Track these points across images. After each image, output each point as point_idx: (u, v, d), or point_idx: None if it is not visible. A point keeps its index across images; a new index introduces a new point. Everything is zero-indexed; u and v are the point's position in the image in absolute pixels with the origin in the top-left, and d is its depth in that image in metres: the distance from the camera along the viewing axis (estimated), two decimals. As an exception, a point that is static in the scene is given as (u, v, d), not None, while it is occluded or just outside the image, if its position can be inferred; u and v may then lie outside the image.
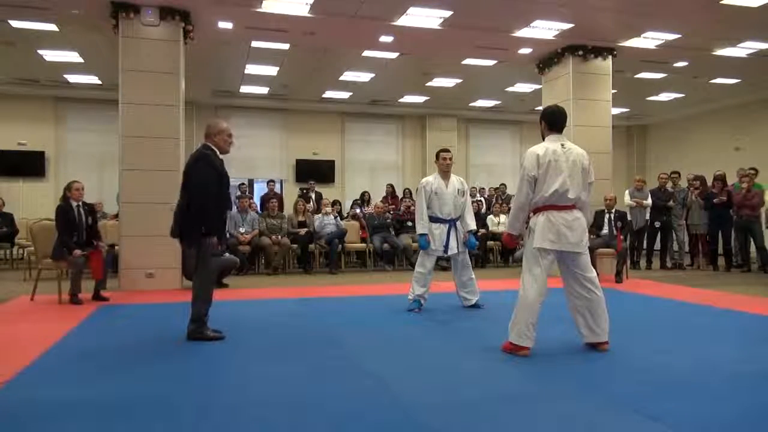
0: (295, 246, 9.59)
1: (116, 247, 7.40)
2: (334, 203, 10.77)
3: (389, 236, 10.22)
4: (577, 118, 9.07)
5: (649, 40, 9.13)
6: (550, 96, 9.63)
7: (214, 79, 12.09)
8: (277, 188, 13.07)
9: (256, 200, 11.81)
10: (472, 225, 5.93)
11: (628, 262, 9.16)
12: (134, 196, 7.37)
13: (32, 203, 12.24)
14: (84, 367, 3.74)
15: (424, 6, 7.75)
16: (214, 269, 4.83)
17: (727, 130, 14.20)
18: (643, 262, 10.38)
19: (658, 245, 10.31)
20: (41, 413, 2.87)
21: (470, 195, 6.41)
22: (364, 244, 10.31)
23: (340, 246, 9.81)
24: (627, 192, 10.23)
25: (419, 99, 13.94)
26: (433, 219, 5.80)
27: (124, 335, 4.72)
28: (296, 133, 14.61)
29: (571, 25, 8.48)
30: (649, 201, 9.97)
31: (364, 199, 12.16)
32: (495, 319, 5.01)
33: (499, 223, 10.87)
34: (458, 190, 5.86)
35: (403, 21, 8.17)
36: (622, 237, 8.38)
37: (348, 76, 11.79)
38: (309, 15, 7.86)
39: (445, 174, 5.86)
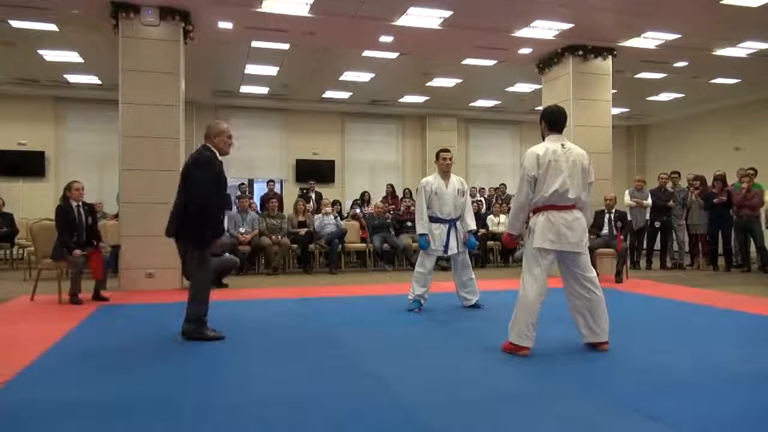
0: (295, 246, 9.59)
1: (121, 248, 7.40)
2: (334, 203, 10.77)
3: (389, 236, 10.22)
4: (577, 118, 9.07)
5: (649, 40, 9.13)
6: (550, 96, 9.63)
7: (214, 79, 12.09)
8: (276, 188, 13.07)
9: (256, 200, 11.81)
10: (472, 225, 5.93)
11: (628, 262, 9.16)
12: (134, 196, 7.37)
13: (32, 203, 12.24)
14: (84, 367, 3.74)
15: (424, 6, 7.75)
16: (213, 270, 4.83)
17: (727, 130, 14.20)
18: (643, 262, 10.38)
19: (658, 245, 10.30)
20: (41, 413, 2.87)
21: (470, 195, 6.41)
22: (364, 244, 10.31)
23: (340, 246, 9.81)
24: (627, 192, 10.23)
25: (419, 99, 13.94)
26: (433, 219, 5.80)
27: (124, 335, 4.72)
28: (296, 133, 14.61)
29: (571, 25, 8.48)
30: (649, 201, 9.97)
31: (364, 199, 12.16)
32: (495, 319, 5.00)
33: (499, 223, 10.87)
34: (458, 190, 5.86)
35: (403, 21, 8.17)
36: (622, 237, 8.38)
37: (348, 76, 11.79)
38: (309, 15, 7.86)
39: (445, 174, 5.86)
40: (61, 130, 13.07)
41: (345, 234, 9.93)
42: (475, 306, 5.87)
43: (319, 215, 10.10)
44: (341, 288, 7.77)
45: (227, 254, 7.97)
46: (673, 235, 10.31)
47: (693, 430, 2.64)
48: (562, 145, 4.00)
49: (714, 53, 9.74)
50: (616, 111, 11.90)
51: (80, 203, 6.45)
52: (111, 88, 10.39)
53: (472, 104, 14.73)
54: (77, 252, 6.18)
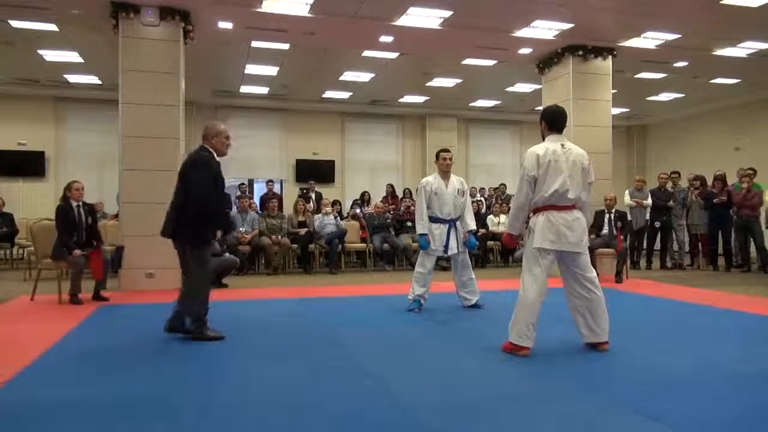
0: (295, 246, 9.59)
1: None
2: (334, 203, 10.77)
3: (389, 236, 10.22)
4: (577, 118, 9.07)
5: (649, 40, 9.13)
6: (550, 96, 9.63)
7: (214, 79, 12.09)
8: (276, 188, 13.08)
9: (256, 200, 11.81)
10: (472, 225, 5.93)
11: (628, 262, 9.16)
12: (134, 196, 7.37)
13: (32, 203, 12.24)
14: (84, 367, 3.74)
15: (424, 6, 7.75)
16: (213, 269, 4.84)
17: (727, 130, 14.20)
18: (643, 262, 10.38)
19: (658, 245, 10.30)
20: (41, 413, 2.87)
21: (470, 195, 6.41)
22: (364, 244, 10.31)
23: (340, 246, 9.81)
24: (627, 192, 10.23)
25: (419, 99, 13.94)
26: (433, 219, 5.80)
27: (124, 335, 4.72)
28: (296, 133, 14.61)
29: (571, 25, 8.48)
30: (649, 201, 9.97)
31: (364, 199, 12.16)
32: (495, 319, 5.00)
33: (499, 223, 10.87)
34: (458, 190, 5.86)
35: (403, 21, 8.17)
36: (622, 237, 8.38)
37: (348, 76, 11.79)
38: (309, 15, 7.86)
39: (445, 174, 5.86)
40: (61, 130, 13.07)
41: (345, 234, 9.93)
42: (475, 306, 5.87)
43: (319, 215, 10.10)
44: (341, 288, 7.77)
45: (227, 254, 7.98)
46: (673, 235, 10.31)
47: (693, 430, 2.64)
48: (562, 145, 4.00)
49: (714, 53, 9.74)
50: (616, 111, 11.90)
51: (80, 203, 6.45)
52: (111, 88, 10.39)
53: (472, 104, 14.73)
54: (77, 252, 6.18)
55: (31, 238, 7.00)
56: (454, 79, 12.11)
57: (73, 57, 10.23)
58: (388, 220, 10.59)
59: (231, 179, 13.38)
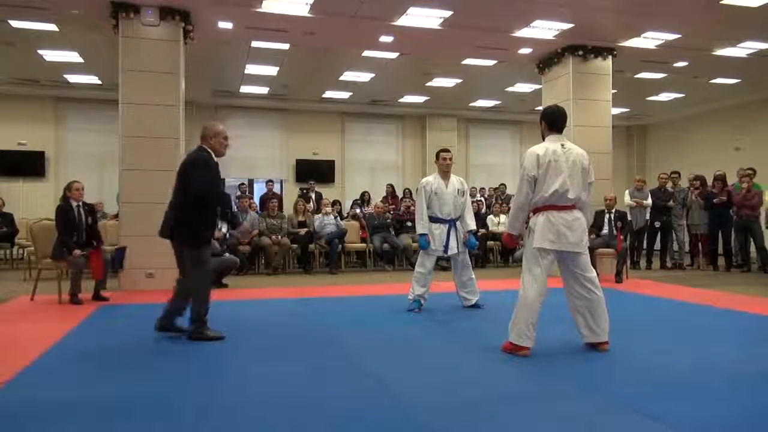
0: (295, 246, 9.59)
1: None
2: (334, 203, 10.77)
3: (389, 236, 10.22)
4: (577, 118, 9.07)
5: (649, 40, 9.13)
6: (550, 96, 9.63)
7: (214, 79, 12.09)
8: (276, 188, 13.07)
9: (256, 200, 11.81)
10: (472, 225, 5.93)
11: (628, 262, 9.16)
12: (134, 196, 7.37)
13: (32, 203, 12.24)
14: (84, 367, 3.74)
15: (424, 6, 7.75)
16: (213, 269, 4.84)
17: (727, 130, 14.20)
18: (643, 262, 10.38)
19: (658, 245, 10.31)
20: (41, 413, 2.87)
21: (470, 195, 6.41)
22: (364, 244, 10.31)
23: (340, 246, 9.81)
24: (627, 192, 10.23)
25: (419, 99, 13.94)
26: (433, 219, 5.80)
27: (124, 335, 4.72)
28: (296, 133, 14.60)
29: (571, 25, 8.48)
30: (649, 201, 9.97)
31: (364, 199, 12.16)
32: (495, 319, 5.00)
33: (499, 223, 10.87)
34: (458, 190, 5.86)
35: (403, 21, 8.17)
36: (622, 237, 8.38)
37: (348, 76, 11.79)
38: (309, 15, 7.86)
39: (445, 174, 5.86)
40: (61, 130, 13.07)
41: (345, 234, 9.93)
42: (475, 306, 5.87)
43: (319, 215, 10.10)
44: (341, 288, 7.77)
45: (227, 254, 7.98)
46: (673, 235, 10.31)
47: (693, 430, 2.64)
48: (562, 145, 4.00)
49: (714, 53, 9.74)
50: (616, 111, 11.90)
51: (80, 203, 6.45)
52: (111, 88, 10.38)
53: (472, 104, 14.73)
54: (77, 252, 6.18)
55: (31, 238, 7.01)
56: (454, 79, 12.11)
57: (73, 57, 10.23)
58: (388, 220, 10.59)
59: (231, 179, 13.40)
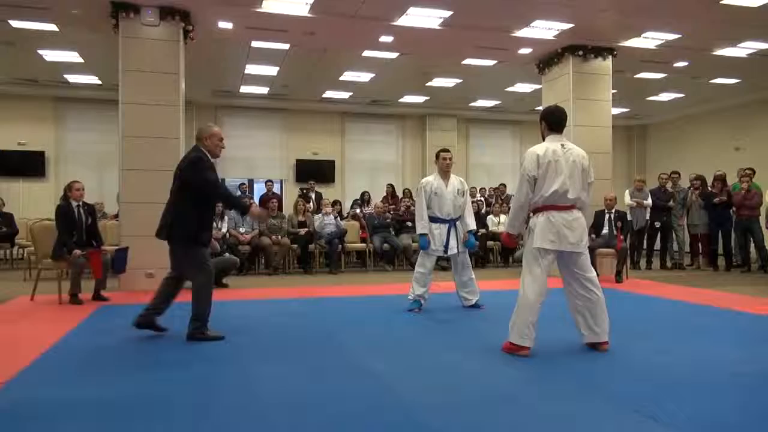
0: (295, 246, 9.58)
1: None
2: (334, 203, 10.76)
3: (389, 236, 10.22)
4: (577, 118, 9.07)
5: (649, 40, 9.13)
6: (550, 96, 9.63)
7: (214, 79, 12.08)
8: (276, 188, 13.07)
9: (256, 200, 11.81)
10: (472, 225, 5.93)
11: (628, 262, 9.16)
12: (134, 196, 7.37)
13: (32, 203, 12.24)
14: (84, 367, 3.74)
15: (424, 6, 7.75)
16: (212, 269, 4.84)
17: (727, 130, 14.20)
18: (643, 262, 10.38)
19: (658, 245, 10.31)
20: (41, 413, 2.87)
21: (470, 195, 6.42)
22: (364, 244, 10.31)
23: (340, 246, 9.81)
24: (627, 192, 10.24)
25: (419, 99, 13.94)
26: (433, 219, 5.80)
27: (124, 335, 4.71)
28: (296, 133, 14.60)
29: (571, 25, 8.47)
30: (649, 201, 9.98)
31: (364, 199, 12.15)
32: (495, 319, 5.01)
33: (499, 223, 10.87)
34: (458, 190, 5.86)
35: (403, 21, 8.16)
36: (622, 237, 8.38)
37: (348, 76, 11.79)
38: (309, 15, 7.86)
39: (445, 174, 5.86)
40: (61, 130, 13.06)
41: (345, 234, 9.93)
42: (475, 306, 5.87)
43: (319, 215, 10.10)
44: (341, 288, 7.78)
45: (227, 254, 7.98)
46: (673, 235, 10.31)
47: (693, 430, 2.64)
48: (562, 145, 4.00)
49: (714, 53, 9.73)
50: (616, 111, 11.89)
51: (80, 203, 6.45)
52: (111, 88, 10.38)
53: (472, 104, 14.72)
54: (77, 252, 6.18)
55: (31, 238, 7.01)
56: (454, 79, 12.10)
57: (73, 57, 10.23)
58: (388, 220, 10.59)
59: (231, 179, 13.40)
